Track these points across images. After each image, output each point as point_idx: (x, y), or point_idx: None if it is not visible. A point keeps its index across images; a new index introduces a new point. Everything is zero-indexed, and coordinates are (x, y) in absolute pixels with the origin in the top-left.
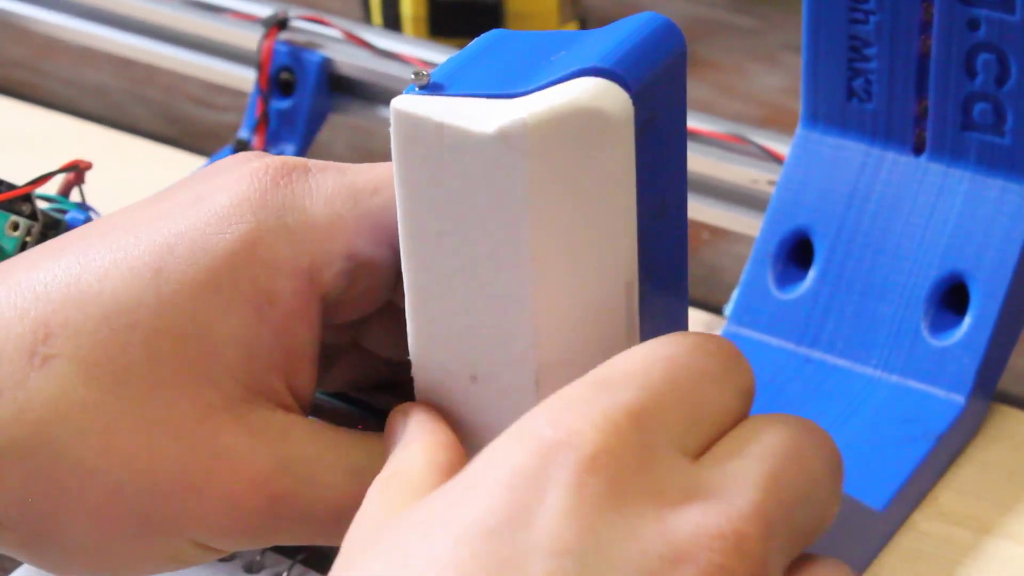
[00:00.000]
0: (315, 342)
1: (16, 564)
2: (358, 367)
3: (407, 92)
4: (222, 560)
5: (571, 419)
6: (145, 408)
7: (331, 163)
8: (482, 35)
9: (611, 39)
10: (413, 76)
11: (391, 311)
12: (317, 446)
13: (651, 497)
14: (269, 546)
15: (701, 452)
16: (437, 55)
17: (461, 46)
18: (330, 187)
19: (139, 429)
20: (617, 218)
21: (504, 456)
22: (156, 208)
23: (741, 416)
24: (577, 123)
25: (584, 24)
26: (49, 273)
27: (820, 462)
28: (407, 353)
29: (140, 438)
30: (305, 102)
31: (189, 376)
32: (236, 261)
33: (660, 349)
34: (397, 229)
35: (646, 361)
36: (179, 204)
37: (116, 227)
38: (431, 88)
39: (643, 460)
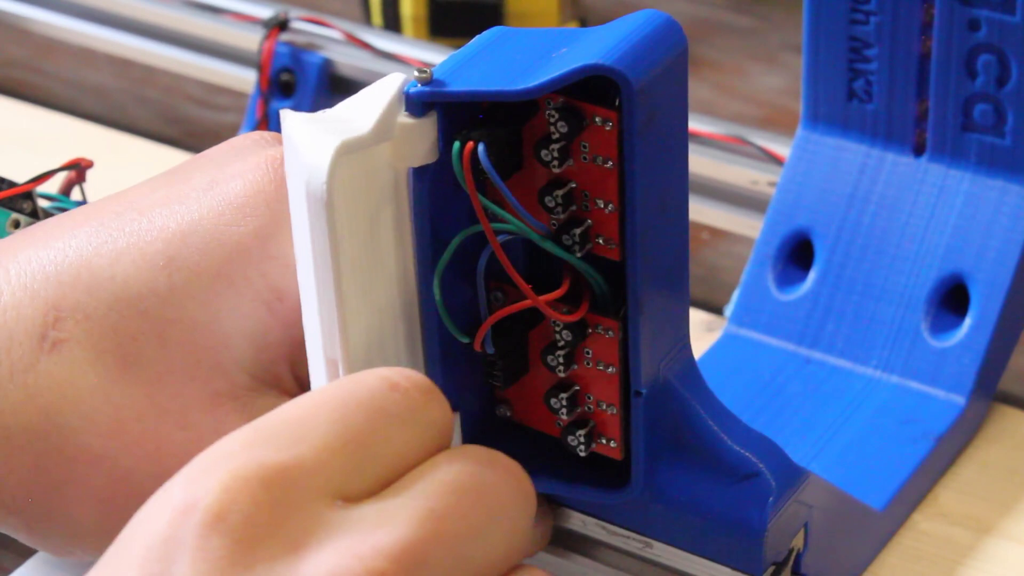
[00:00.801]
0: None
1: (16, 564)
2: None
3: (409, 87)
4: None
5: (203, 479)
6: (153, 396)
7: None
8: (484, 32)
9: (612, 36)
10: (416, 73)
11: None
12: None
13: (287, 549)
14: None
15: (371, 495)
16: (437, 56)
17: (461, 47)
18: None
19: (147, 416)
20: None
21: (143, 524)
22: (170, 190)
23: (430, 453)
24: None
25: (584, 24)
26: (60, 253)
27: (500, 496)
28: None
29: (147, 425)
30: (306, 103)
31: (197, 365)
32: (249, 255)
33: (330, 392)
34: None
35: (311, 407)
36: (194, 189)
37: (130, 207)
38: (433, 84)
39: (279, 514)
